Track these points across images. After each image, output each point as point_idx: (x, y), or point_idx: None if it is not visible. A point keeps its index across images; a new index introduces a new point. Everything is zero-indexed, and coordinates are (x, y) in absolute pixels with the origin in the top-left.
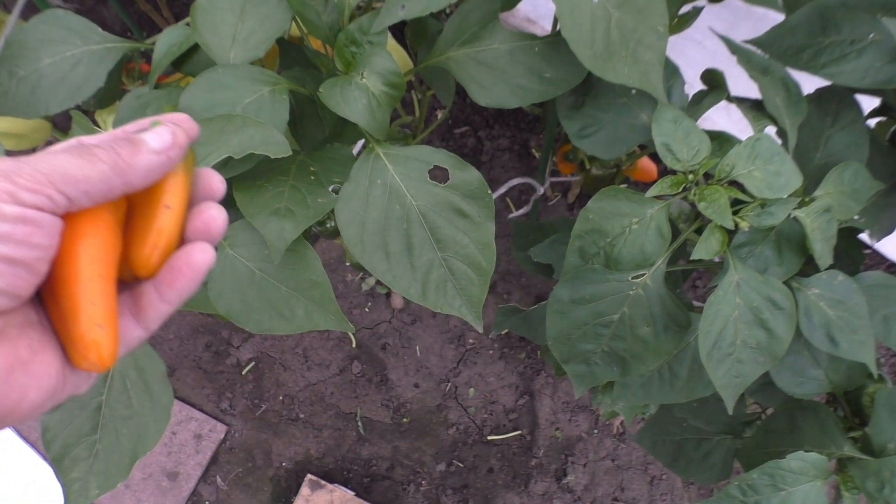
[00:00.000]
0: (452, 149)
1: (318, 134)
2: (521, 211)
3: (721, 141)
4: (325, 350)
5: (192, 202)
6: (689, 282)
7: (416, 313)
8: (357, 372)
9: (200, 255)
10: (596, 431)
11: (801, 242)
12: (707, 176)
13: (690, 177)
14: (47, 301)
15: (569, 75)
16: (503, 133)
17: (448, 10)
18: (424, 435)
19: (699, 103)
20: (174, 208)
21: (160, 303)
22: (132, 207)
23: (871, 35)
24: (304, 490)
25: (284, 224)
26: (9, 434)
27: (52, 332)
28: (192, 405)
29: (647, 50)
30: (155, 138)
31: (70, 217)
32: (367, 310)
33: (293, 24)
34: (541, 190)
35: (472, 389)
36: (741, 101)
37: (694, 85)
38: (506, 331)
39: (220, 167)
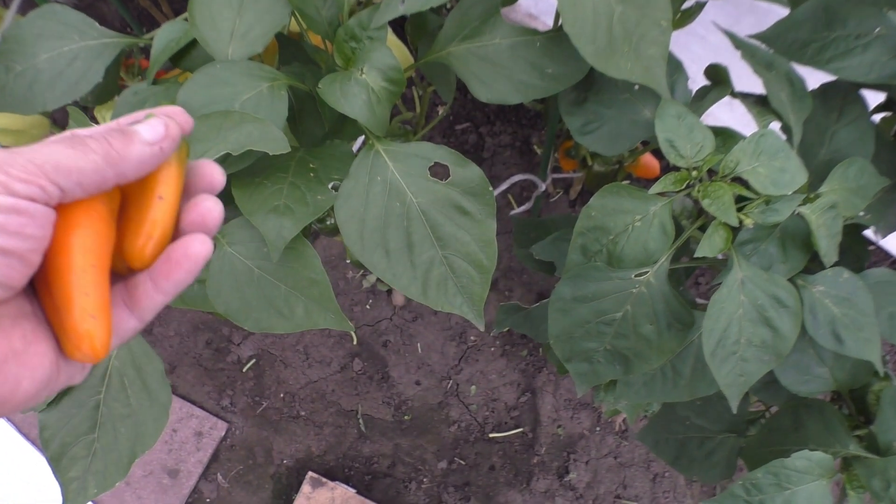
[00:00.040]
0: (453, 145)
1: (317, 130)
2: (523, 207)
3: (725, 137)
4: (326, 347)
5: (189, 194)
6: (691, 279)
7: (417, 310)
8: (358, 369)
9: (199, 247)
10: (598, 429)
11: (805, 239)
12: (711, 172)
13: (694, 173)
14: (41, 292)
15: (571, 71)
16: (505, 129)
17: (449, 5)
18: (426, 432)
19: (703, 99)
20: (167, 199)
21: (156, 293)
22: (126, 199)
23: (878, 29)
24: (306, 488)
25: (283, 221)
26: (9, 431)
27: (46, 322)
28: (193, 402)
29: (650, 45)
30: (148, 130)
31: (63, 208)
32: (368, 307)
33: (292, 19)
34: (542, 186)
35: (473, 387)
36: (745, 97)
37: (697, 80)
38: (507, 328)
39: (219, 163)
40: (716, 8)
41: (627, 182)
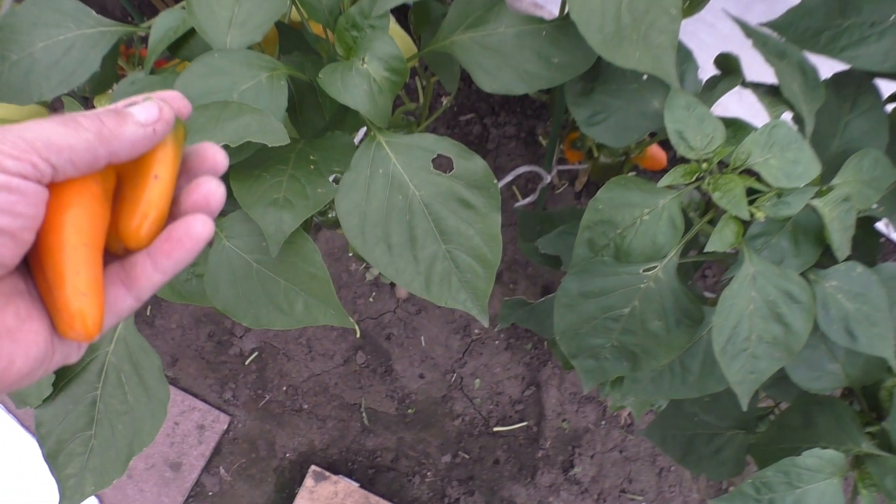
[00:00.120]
0: (458, 136)
1: (318, 121)
2: (528, 199)
3: (735, 128)
4: (329, 340)
5: (191, 176)
6: (698, 271)
7: (421, 303)
8: (361, 362)
9: (201, 227)
10: (603, 423)
11: (818, 233)
12: (721, 164)
13: (704, 165)
14: (35, 271)
15: (578, 60)
16: (509, 120)
17: None
18: (430, 426)
19: (713, 89)
20: (163, 179)
21: (154, 273)
22: (122, 180)
23: (893, 17)
24: (308, 481)
25: (283, 215)
26: (11, 423)
27: (40, 301)
28: (195, 395)
29: (659, 33)
30: (141, 111)
31: (56, 187)
32: (371, 300)
33: (293, 7)
34: (548, 178)
35: (477, 380)
36: (756, 87)
37: (705, 69)
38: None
39: None
40: None
41: (633, 173)
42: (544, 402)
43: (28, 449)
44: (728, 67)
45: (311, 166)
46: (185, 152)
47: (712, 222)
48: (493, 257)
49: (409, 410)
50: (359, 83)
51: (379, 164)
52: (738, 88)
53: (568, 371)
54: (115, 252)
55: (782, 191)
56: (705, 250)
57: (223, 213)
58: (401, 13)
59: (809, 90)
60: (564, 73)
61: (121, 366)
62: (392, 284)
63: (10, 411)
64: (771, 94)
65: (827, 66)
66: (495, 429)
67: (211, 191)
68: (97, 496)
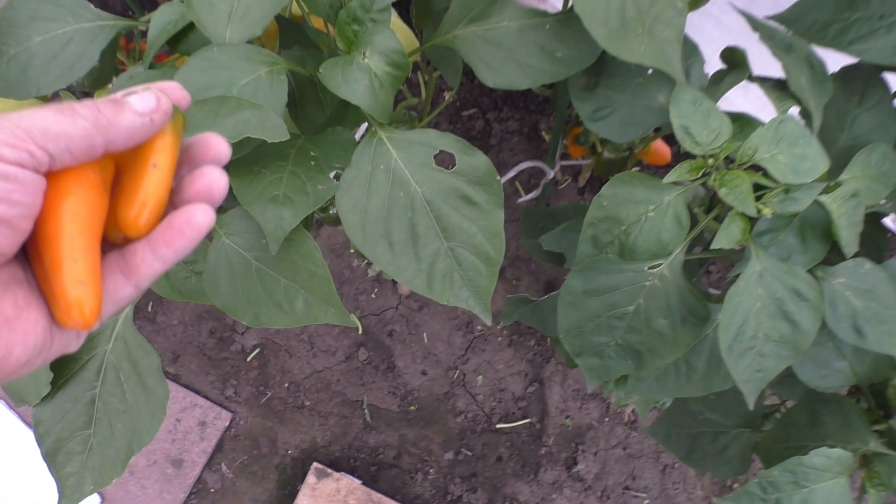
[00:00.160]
0: (460, 132)
1: (318, 117)
2: (531, 195)
3: (742, 123)
4: (331, 337)
5: (194, 165)
6: (702, 268)
7: (423, 300)
8: (364, 359)
9: (202, 216)
10: (607, 419)
11: (825, 229)
12: (728, 160)
13: (710, 161)
14: (33, 259)
15: (582, 54)
16: (512, 115)
17: None
18: (432, 423)
19: (719, 83)
20: (162, 167)
21: (154, 261)
22: (120, 170)
23: None
24: (310, 478)
25: (283, 212)
26: (12, 419)
27: (38, 290)
28: (197, 392)
29: (664, 27)
30: (139, 101)
31: (54, 176)
32: (373, 296)
33: (293, 1)
34: (551, 174)
35: (480, 377)
36: (763, 81)
37: (710, 63)
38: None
39: None
40: None
41: (637, 169)
42: (547, 398)
43: (30, 446)
44: (734, 61)
45: (312, 162)
46: (188, 142)
47: (718, 219)
48: (496, 255)
49: (412, 407)
50: (360, 78)
51: (380, 161)
52: (743, 82)
53: (571, 368)
54: (114, 241)
55: (790, 187)
56: (711, 247)
57: (222, 210)
58: (402, 7)
59: (817, 84)
60: (568, 68)
61: (119, 364)
62: (394, 281)
63: (10, 407)
64: (778, 89)
65: (835, 60)
66: (498, 426)
67: (214, 180)
68: (99, 493)
